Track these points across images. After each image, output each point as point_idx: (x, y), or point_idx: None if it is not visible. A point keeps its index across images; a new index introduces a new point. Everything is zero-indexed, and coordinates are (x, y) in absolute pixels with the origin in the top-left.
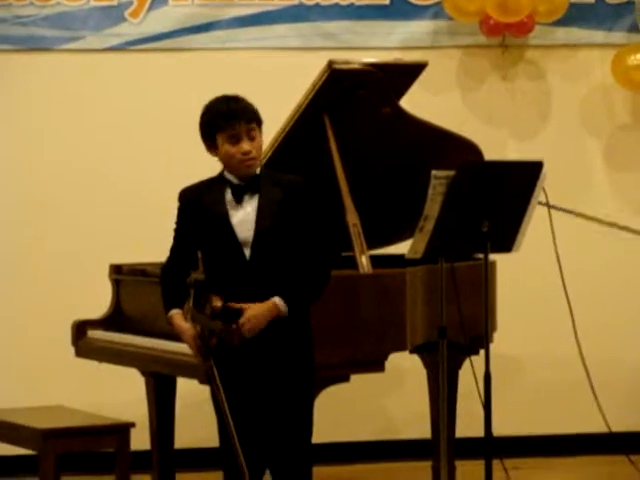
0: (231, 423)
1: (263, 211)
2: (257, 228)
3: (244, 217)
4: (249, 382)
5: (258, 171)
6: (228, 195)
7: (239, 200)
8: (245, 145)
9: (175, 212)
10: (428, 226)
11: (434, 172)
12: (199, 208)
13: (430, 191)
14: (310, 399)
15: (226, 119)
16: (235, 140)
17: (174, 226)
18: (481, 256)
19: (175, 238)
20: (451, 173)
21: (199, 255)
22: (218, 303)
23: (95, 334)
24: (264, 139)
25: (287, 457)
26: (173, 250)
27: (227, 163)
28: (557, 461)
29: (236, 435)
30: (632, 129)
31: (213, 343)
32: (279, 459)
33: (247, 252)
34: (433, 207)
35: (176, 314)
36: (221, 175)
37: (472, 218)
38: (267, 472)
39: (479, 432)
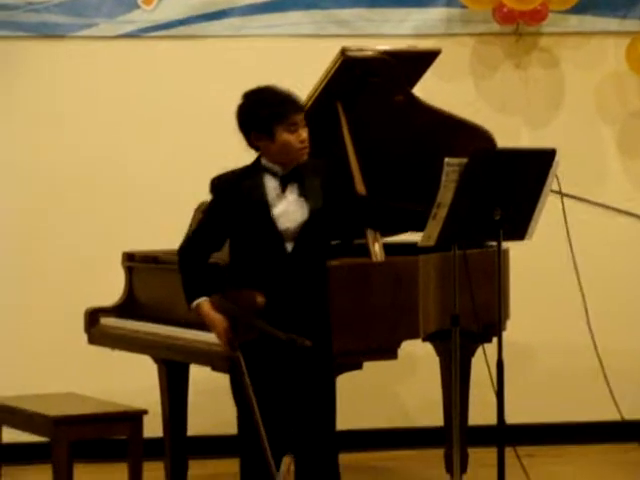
0: (258, 413)
1: (312, 193)
2: (304, 218)
3: (286, 207)
4: (273, 371)
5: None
6: (269, 184)
7: (283, 189)
8: (303, 133)
9: (187, 199)
10: (441, 213)
11: (447, 159)
12: (237, 195)
13: (443, 178)
14: (333, 386)
15: (286, 109)
16: (294, 129)
17: (201, 214)
18: (494, 244)
19: (202, 221)
20: (464, 161)
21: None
22: (261, 299)
23: (108, 321)
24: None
25: (313, 445)
26: (198, 232)
27: (283, 152)
28: (570, 449)
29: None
30: None
31: (251, 338)
32: (305, 447)
33: (289, 245)
34: (446, 194)
35: (204, 302)
36: (257, 164)
37: (485, 206)
38: (286, 457)
39: (492, 420)
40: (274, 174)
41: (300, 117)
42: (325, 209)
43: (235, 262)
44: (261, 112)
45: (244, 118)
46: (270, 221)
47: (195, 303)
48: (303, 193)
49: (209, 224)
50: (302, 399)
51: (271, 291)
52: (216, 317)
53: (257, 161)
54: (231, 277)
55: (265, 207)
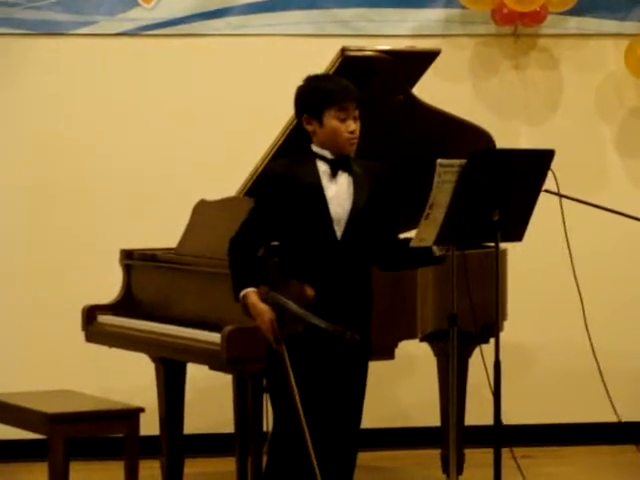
0: (300, 408)
1: (358, 188)
2: (353, 205)
3: (338, 192)
4: (316, 365)
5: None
6: (321, 169)
7: (334, 174)
8: (352, 124)
9: (186, 197)
10: (434, 214)
11: (439, 160)
12: (291, 181)
13: (436, 179)
14: (366, 380)
15: (341, 96)
16: (344, 118)
17: (253, 205)
18: (492, 244)
19: (253, 211)
20: (457, 161)
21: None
22: (311, 292)
23: (105, 319)
24: (277, 126)
25: (342, 439)
26: (248, 223)
27: (331, 139)
28: (566, 450)
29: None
30: None
31: (299, 330)
32: (334, 441)
33: (338, 231)
34: (438, 195)
35: (251, 292)
36: (309, 151)
37: (483, 207)
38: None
39: (489, 420)
40: (324, 159)
41: (351, 107)
42: (368, 206)
43: (286, 252)
44: (314, 95)
45: (299, 100)
46: (324, 203)
47: (242, 293)
48: (353, 182)
49: (260, 212)
50: (341, 393)
51: (320, 279)
52: (263, 307)
53: (308, 148)
54: (281, 268)
55: (319, 190)
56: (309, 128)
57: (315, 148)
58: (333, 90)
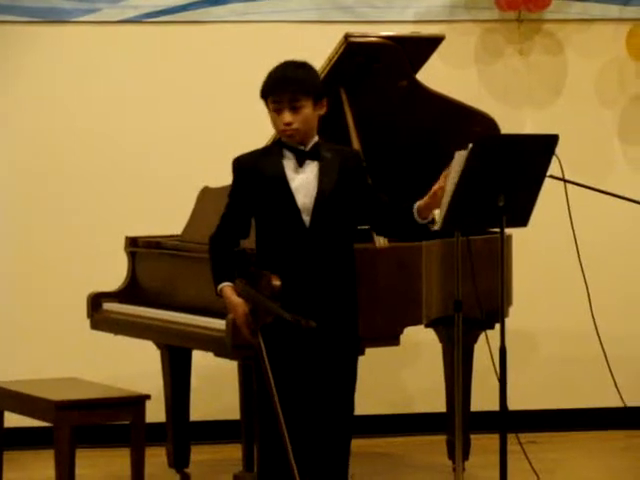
0: (277, 400)
1: (325, 176)
2: (319, 193)
3: (303, 182)
4: (295, 355)
5: (316, 139)
6: (287, 159)
7: (300, 164)
8: (286, 116)
9: (190, 184)
10: (445, 199)
11: (458, 152)
12: (255, 173)
13: (456, 168)
14: (355, 369)
15: (272, 86)
16: (279, 109)
17: (227, 198)
18: (497, 230)
19: (227, 206)
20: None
21: (252, 223)
22: (277, 282)
23: (110, 306)
24: None
25: (330, 429)
26: (224, 218)
27: (274, 128)
28: (572, 435)
29: (281, 412)
30: None
31: (268, 321)
32: (322, 431)
33: (306, 219)
34: (451, 182)
35: (227, 287)
36: (277, 141)
37: (488, 192)
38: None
39: (494, 406)
40: (291, 149)
41: (286, 98)
42: (337, 190)
43: (259, 243)
44: (262, 85)
45: None
46: (289, 194)
47: (219, 287)
48: (320, 170)
49: (233, 206)
50: (323, 382)
51: (291, 268)
52: (236, 301)
53: (278, 138)
54: (257, 260)
55: (283, 181)
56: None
57: (282, 138)
58: (269, 79)
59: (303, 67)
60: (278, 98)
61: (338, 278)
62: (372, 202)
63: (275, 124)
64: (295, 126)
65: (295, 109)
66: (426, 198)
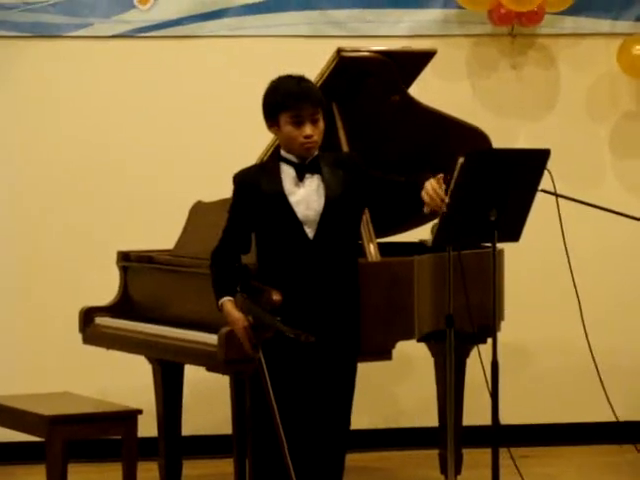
0: (277, 414)
1: (330, 186)
2: (326, 204)
3: (304, 196)
4: (296, 369)
5: (316, 153)
6: (286, 174)
7: (301, 178)
8: (308, 129)
9: (183, 199)
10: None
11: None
12: (254, 189)
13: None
14: (353, 383)
15: (293, 100)
16: (299, 122)
17: (228, 213)
18: (489, 244)
19: (228, 221)
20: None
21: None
22: (277, 297)
23: (103, 321)
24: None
25: (326, 441)
26: (225, 233)
27: (287, 143)
28: (564, 450)
29: (281, 426)
30: (638, 117)
31: (269, 336)
32: (318, 443)
33: (309, 231)
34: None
35: (228, 301)
36: (277, 156)
37: (480, 207)
38: None
39: (486, 420)
40: (291, 163)
41: (310, 111)
42: (343, 199)
43: (261, 258)
44: (270, 99)
45: (262, 104)
46: (289, 209)
47: (220, 302)
48: (322, 182)
49: (233, 222)
50: (322, 397)
51: (294, 281)
52: (236, 315)
53: (277, 152)
54: (259, 275)
55: (282, 196)
56: (272, 132)
57: (282, 152)
58: (286, 93)
59: (310, 81)
60: (299, 112)
61: (342, 291)
62: (380, 184)
63: (291, 138)
64: (315, 138)
65: (315, 122)
66: (426, 197)
